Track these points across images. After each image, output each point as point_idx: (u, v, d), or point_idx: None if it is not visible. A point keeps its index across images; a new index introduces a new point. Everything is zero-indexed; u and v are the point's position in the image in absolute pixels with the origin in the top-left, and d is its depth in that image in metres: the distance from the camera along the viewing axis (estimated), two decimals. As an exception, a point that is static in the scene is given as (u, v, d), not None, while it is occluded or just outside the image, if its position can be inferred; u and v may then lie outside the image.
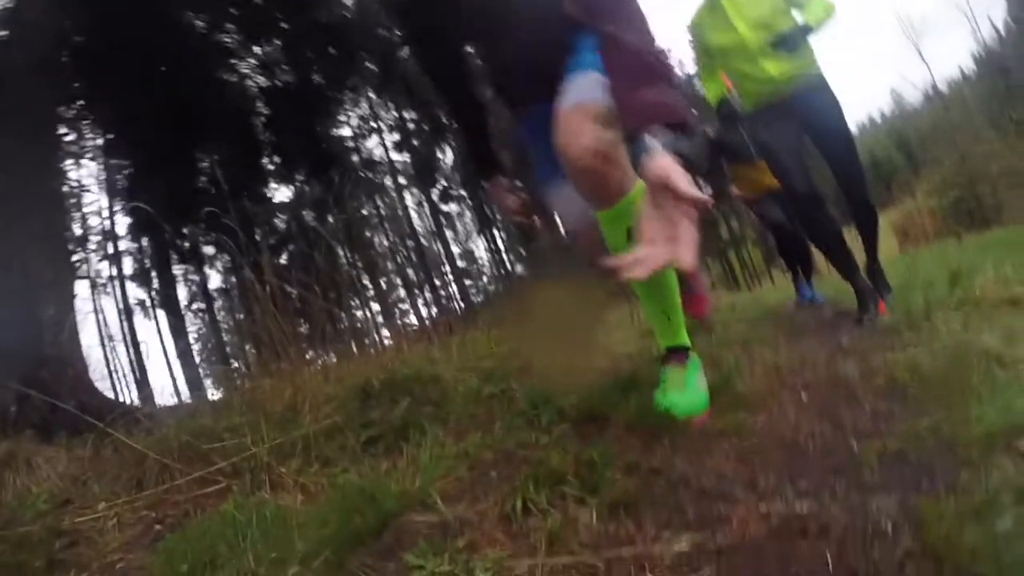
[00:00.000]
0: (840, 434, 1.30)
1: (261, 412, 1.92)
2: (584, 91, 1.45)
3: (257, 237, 14.67)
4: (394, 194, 23.37)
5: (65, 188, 14.72)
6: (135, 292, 18.00)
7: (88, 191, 17.23)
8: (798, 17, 3.06)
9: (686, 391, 1.54)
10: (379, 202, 22.56)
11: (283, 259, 15.80)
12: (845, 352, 2.08)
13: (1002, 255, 4.93)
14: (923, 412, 1.32)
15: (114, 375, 16.08)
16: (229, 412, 2.09)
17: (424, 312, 22.89)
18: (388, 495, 1.23)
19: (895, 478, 1.09)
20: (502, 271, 24.44)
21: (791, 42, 2.92)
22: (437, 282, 24.95)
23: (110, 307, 17.77)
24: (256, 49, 14.45)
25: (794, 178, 3.04)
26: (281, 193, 18.47)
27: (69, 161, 15.81)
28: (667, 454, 1.23)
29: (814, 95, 3.03)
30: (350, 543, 1.12)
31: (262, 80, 15.32)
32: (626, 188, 1.47)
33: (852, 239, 3.25)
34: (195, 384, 13.79)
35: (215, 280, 18.22)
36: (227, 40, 13.60)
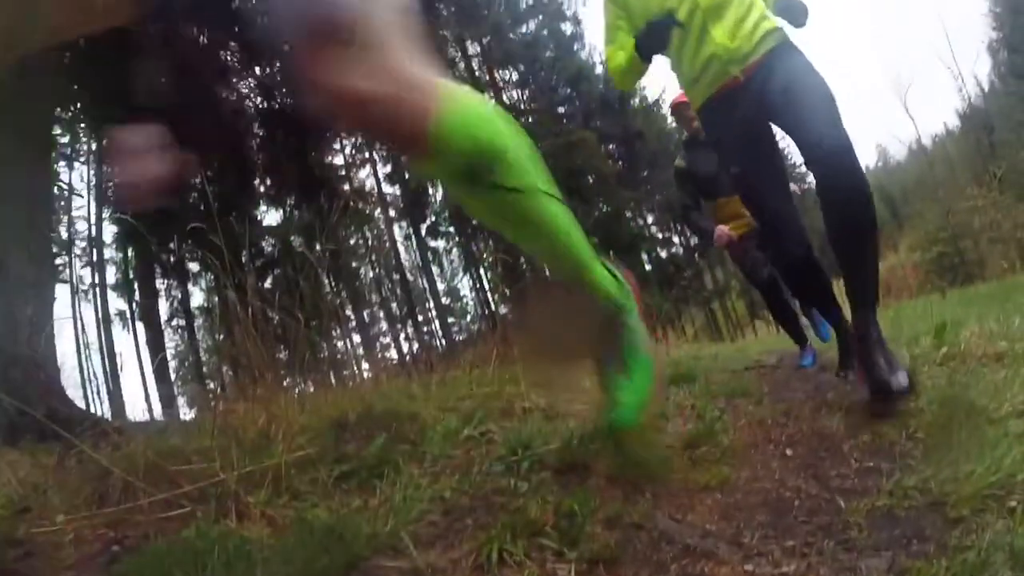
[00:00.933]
0: (826, 491, 1.28)
1: (233, 437, 1.87)
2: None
3: (244, 258, 14.63)
4: (383, 226, 23.48)
5: (55, 189, 14.65)
6: (116, 302, 17.85)
7: (79, 195, 17.22)
8: None
9: (625, 391, 1.30)
10: (367, 233, 22.65)
11: (268, 282, 15.76)
12: (830, 406, 2.06)
13: (986, 310, 4.98)
14: (911, 469, 1.30)
15: (87, 384, 15.83)
16: (200, 434, 2.04)
17: (405, 347, 22.86)
18: (358, 536, 1.19)
19: (884, 538, 1.06)
20: (486, 310, 24.44)
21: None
22: (420, 317, 24.94)
23: (89, 315, 17.59)
24: (256, 69, 14.54)
25: (782, 229, 2.44)
26: (271, 216, 18.50)
27: (62, 163, 15.82)
28: (649, 507, 1.19)
29: (776, 72, 2.18)
30: (315, 585, 1.07)
31: (260, 101, 15.40)
32: (427, 113, 1.02)
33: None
34: (168, 401, 13.59)
35: (197, 298, 18.10)
36: (229, 58, 13.68)
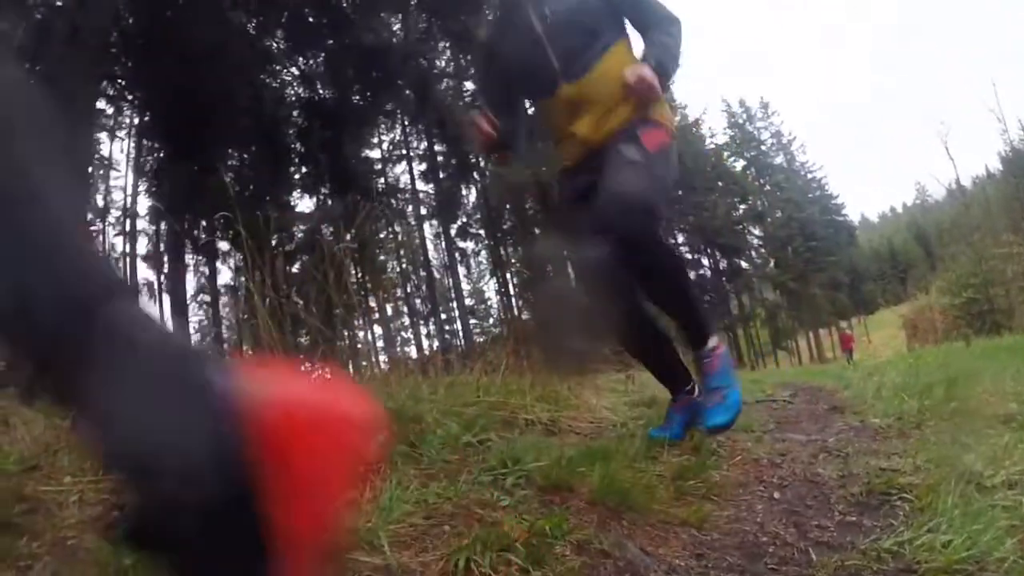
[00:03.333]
0: (803, 541, 1.28)
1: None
2: None
3: (274, 242, 14.80)
4: (413, 222, 23.65)
5: (95, 159, 15.05)
6: (145, 273, 18.19)
7: (116, 169, 17.62)
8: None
9: None
10: (398, 228, 22.81)
11: (296, 268, 15.97)
12: (829, 452, 2.05)
13: (1005, 364, 4.89)
14: (891, 530, 1.30)
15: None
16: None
17: (425, 344, 22.93)
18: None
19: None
20: (508, 315, 24.49)
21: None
22: (443, 316, 25.03)
23: (117, 283, 17.91)
24: (300, 60, 14.76)
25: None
26: (304, 203, 18.72)
27: (103, 134, 16.23)
28: (622, 535, 1.21)
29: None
30: (290, 571, 1.11)
31: (302, 91, 15.62)
32: None
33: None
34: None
35: (225, 276, 18.34)
36: (274, 47, 13.91)
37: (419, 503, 1.40)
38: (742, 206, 36.85)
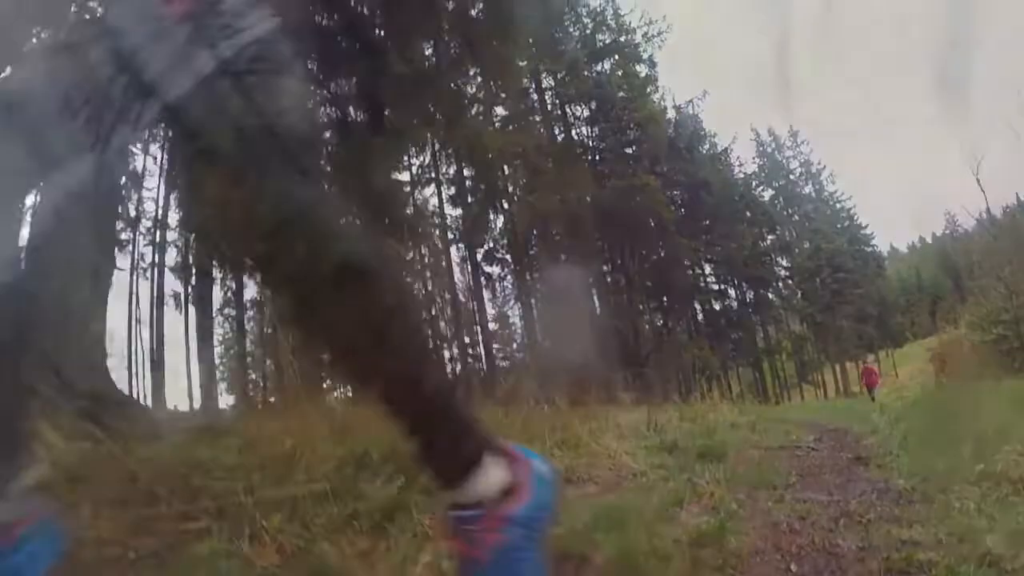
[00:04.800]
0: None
1: (258, 459, 1.94)
2: None
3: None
4: (440, 245, 23.79)
5: (128, 170, 15.35)
6: (172, 283, 18.47)
7: (147, 182, 17.98)
8: None
9: None
10: (424, 250, 22.97)
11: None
12: (851, 517, 2.01)
13: (1036, 415, 4.73)
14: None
15: (132, 358, 16.36)
16: (227, 448, 2.11)
17: (448, 367, 22.95)
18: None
19: None
20: (532, 340, 24.43)
21: None
22: (467, 339, 25.04)
23: (145, 291, 18.23)
24: (331, 83, 14.98)
25: None
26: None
27: (136, 146, 16.59)
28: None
29: None
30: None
31: (333, 112, 15.83)
32: None
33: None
34: (209, 388, 13.90)
35: (252, 290, 18.54)
36: (307, 68, 14.15)
37: (430, 566, 1.39)
38: (769, 236, 36.47)
